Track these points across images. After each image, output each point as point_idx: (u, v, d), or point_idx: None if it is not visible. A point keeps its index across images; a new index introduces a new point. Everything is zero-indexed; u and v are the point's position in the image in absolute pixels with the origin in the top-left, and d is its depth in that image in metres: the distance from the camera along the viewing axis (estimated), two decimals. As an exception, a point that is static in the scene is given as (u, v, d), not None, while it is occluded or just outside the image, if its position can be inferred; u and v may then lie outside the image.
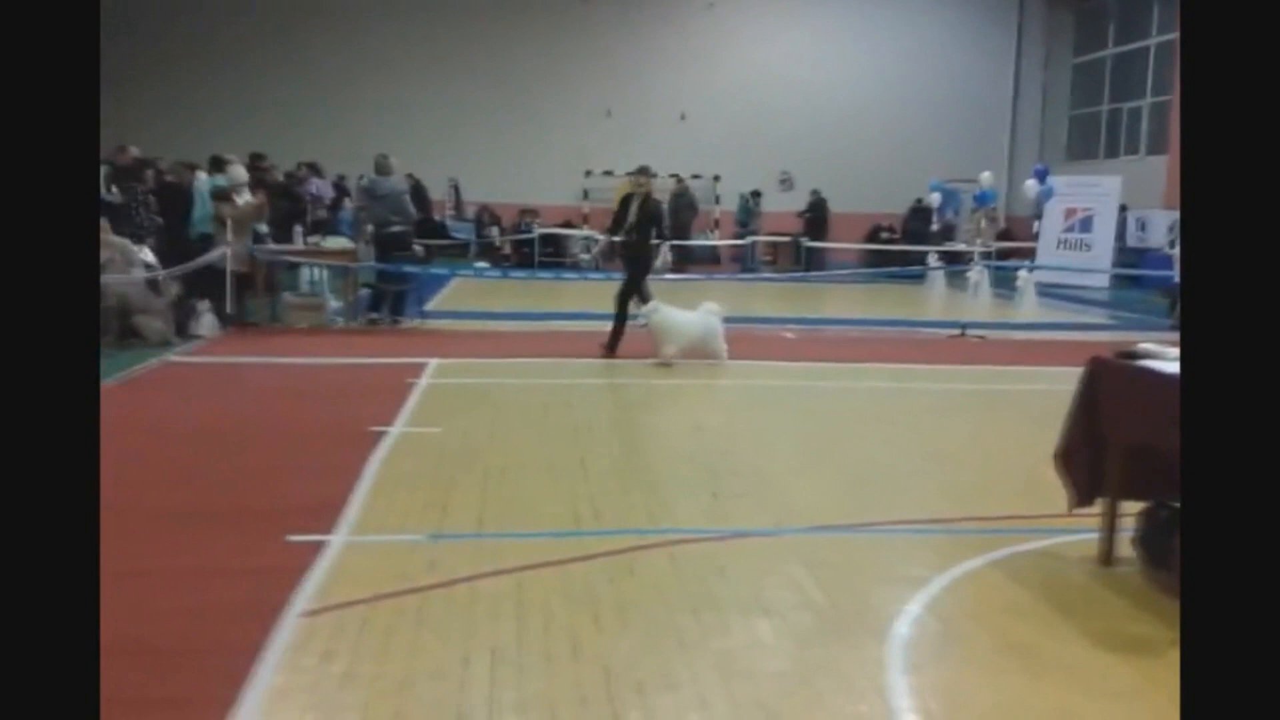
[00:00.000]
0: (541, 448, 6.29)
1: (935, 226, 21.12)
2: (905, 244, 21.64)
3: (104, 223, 9.76)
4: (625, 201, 10.17)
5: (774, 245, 22.51)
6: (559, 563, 4.22)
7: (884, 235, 22.67)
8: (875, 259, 21.26)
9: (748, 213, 22.93)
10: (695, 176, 22.91)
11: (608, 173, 22.95)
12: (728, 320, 9.64)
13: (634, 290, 9.79)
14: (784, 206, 22.88)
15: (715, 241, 22.65)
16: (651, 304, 9.25)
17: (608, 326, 9.75)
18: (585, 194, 23.05)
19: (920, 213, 22.13)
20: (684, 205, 22.17)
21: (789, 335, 12.03)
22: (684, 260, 21.57)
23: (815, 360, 10.03)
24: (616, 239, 10.33)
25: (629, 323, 9.69)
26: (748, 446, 6.53)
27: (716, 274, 20.50)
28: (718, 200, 23.36)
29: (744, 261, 22.01)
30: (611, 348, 9.63)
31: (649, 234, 9.99)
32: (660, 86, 23.21)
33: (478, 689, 3.15)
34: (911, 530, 4.90)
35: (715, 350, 9.31)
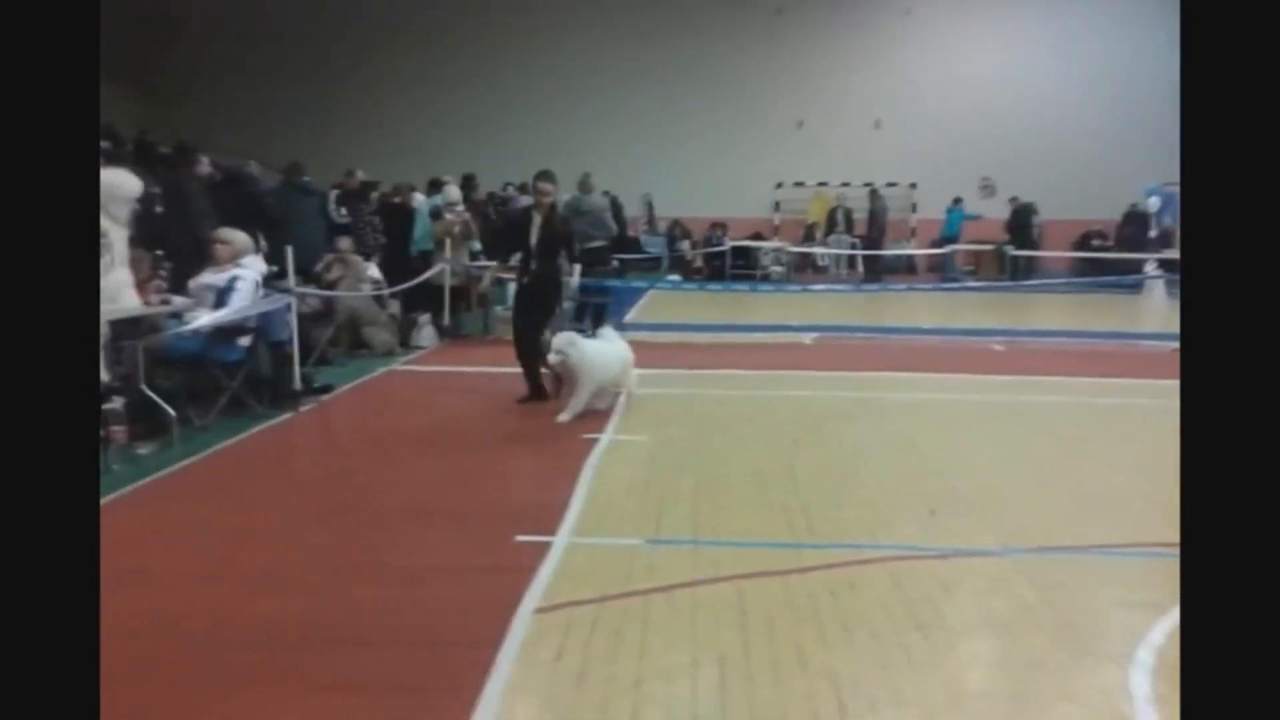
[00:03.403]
0: (748, 458, 6.33)
1: (1153, 233, 19.81)
2: (1119, 251, 20.36)
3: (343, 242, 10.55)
4: (526, 218, 8.09)
5: (976, 254, 21.70)
6: (778, 574, 4.24)
7: (1095, 243, 21.41)
8: (1087, 268, 20.12)
9: (958, 223, 21.97)
10: (891, 184, 22.40)
11: (799, 184, 22.84)
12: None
13: (539, 334, 7.99)
14: (985, 213, 21.99)
15: (911, 250, 22.02)
16: (565, 336, 7.44)
17: (802, 339, 9.60)
18: (776, 206, 22.98)
19: (1135, 218, 20.79)
20: (877, 214, 21.72)
21: (997, 348, 11.58)
22: (877, 270, 21.22)
23: (1027, 374, 9.59)
24: (510, 265, 8.31)
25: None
26: (963, 462, 6.33)
27: (918, 284, 19.99)
28: (914, 208, 22.74)
29: (943, 271, 21.30)
30: (539, 393, 7.97)
31: (555, 260, 7.95)
32: (854, 95, 22.81)
33: (709, 694, 3.21)
34: (1145, 554, 4.63)
35: (628, 383, 7.93)
